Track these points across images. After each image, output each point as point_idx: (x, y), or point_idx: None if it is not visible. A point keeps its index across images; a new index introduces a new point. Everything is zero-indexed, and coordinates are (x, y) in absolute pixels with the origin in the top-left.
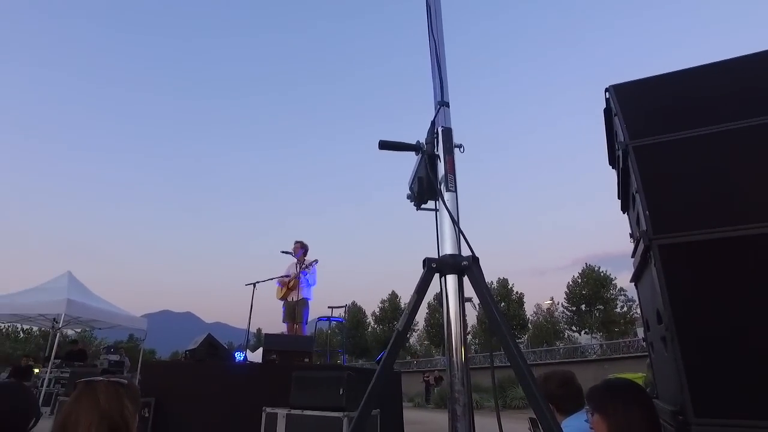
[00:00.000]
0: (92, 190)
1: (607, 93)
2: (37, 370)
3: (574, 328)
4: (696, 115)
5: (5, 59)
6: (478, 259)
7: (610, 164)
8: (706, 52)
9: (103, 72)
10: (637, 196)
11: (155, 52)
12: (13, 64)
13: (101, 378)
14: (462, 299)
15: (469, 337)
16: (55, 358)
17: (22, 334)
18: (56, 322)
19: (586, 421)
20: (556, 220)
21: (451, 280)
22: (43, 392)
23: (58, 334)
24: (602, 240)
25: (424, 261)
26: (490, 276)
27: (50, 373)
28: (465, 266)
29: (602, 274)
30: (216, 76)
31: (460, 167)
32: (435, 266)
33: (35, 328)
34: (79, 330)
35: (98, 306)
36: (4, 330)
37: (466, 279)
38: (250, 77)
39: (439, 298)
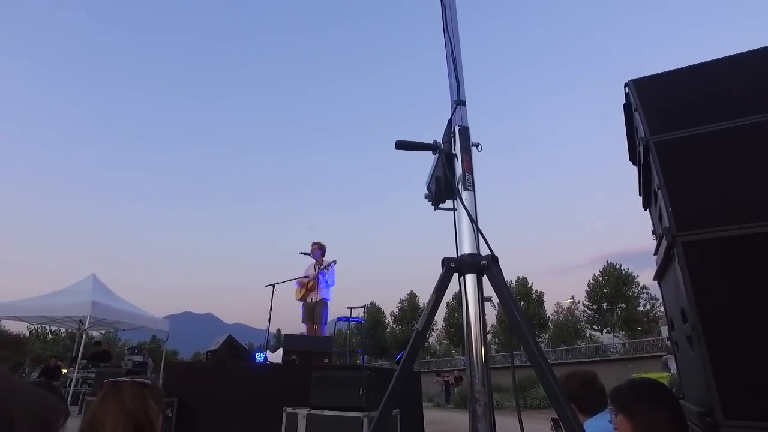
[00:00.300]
0: (110, 192)
1: (626, 88)
2: (65, 371)
3: (595, 327)
4: (719, 108)
5: (28, 60)
6: (497, 258)
7: (630, 160)
8: (722, 47)
9: (119, 74)
10: (659, 193)
11: (179, 55)
12: (34, 65)
13: (126, 379)
14: (481, 299)
15: (489, 336)
16: (81, 359)
17: (50, 336)
18: (82, 324)
19: (610, 422)
20: (575, 218)
21: (470, 279)
22: (71, 392)
23: (84, 336)
24: (623, 237)
25: (442, 261)
26: (509, 275)
27: (77, 373)
28: (484, 266)
29: (624, 272)
30: (237, 78)
31: (477, 165)
32: (454, 266)
33: (62, 330)
34: (103, 331)
35: (122, 308)
36: (33, 331)
37: (485, 278)
38: (270, 79)
39: (459, 297)
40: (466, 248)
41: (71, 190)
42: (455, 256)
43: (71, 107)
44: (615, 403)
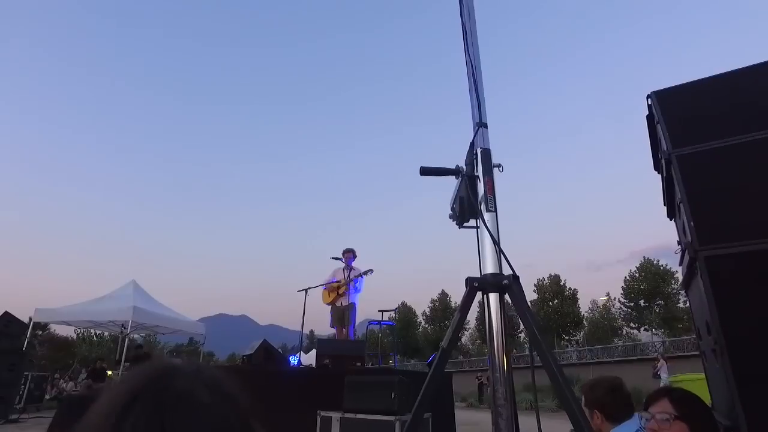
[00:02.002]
0: (144, 196)
1: (648, 99)
2: (110, 372)
3: (632, 324)
4: (742, 119)
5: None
6: (518, 277)
7: (655, 170)
8: (750, 54)
9: (155, 79)
10: (682, 206)
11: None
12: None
13: None
14: (504, 316)
15: (522, 334)
16: (124, 362)
17: (96, 338)
18: (124, 328)
19: (638, 430)
20: (611, 211)
21: (493, 298)
22: None
23: (126, 339)
24: (662, 231)
25: (466, 280)
26: (542, 273)
27: (120, 375)
28: (506, 285)
29: (662, 268)
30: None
31: (512, 162)
32: (477, 285)
33: (107, 333)
34: (144, 335)
35: (160, 312)
36: (80, 334)
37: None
38: (301, 86)
39: (482, 315)
40: (489, 268)
41: (106, 195)
42: (479, 274)
43: (109, 110)
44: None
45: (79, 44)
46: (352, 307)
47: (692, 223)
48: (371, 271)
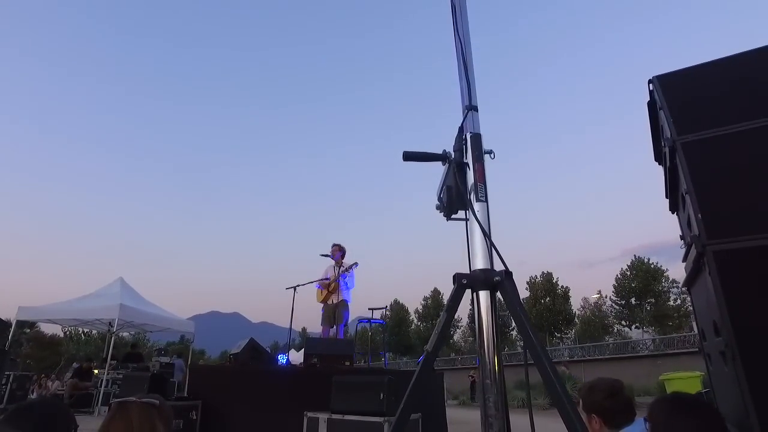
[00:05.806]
0: (136, 194)
1: (650, 84)
2: (96, 371)
3: (624, 322)
4: (753, 104)
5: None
6: (511, 273)
7: (656, 160)
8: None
9: (146, 79)
10: (687, 197)
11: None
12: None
13: (134, 399)
14: (496, 316)
15: (514, 332)
16: (111, 360)
17: (83, 336)
18: (111, 326)
19: None
20: (604, 209)
21: (483, 296)
22: (101, 392)
23: (113, 337)
24: (655, 228)
25: (454, 277)
26: (535, 271)
27: (107, 374)
28: (497, 282)
29: (653, 266)
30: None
31: (506, 160)
32: (466, 282)
33: (94, 331)
34: (133, 333)
35: (148, 310)
36: (67, 333)
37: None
38: (291, 83)
39: (471, 314)
40: (479, 263)
41: (96, 192)
42: (468, 270)
43: (96, 108)
44: (652, 417)
45: (73, 45)
46: (343, 304)
47: (699, 216)
48: (356, 264)
